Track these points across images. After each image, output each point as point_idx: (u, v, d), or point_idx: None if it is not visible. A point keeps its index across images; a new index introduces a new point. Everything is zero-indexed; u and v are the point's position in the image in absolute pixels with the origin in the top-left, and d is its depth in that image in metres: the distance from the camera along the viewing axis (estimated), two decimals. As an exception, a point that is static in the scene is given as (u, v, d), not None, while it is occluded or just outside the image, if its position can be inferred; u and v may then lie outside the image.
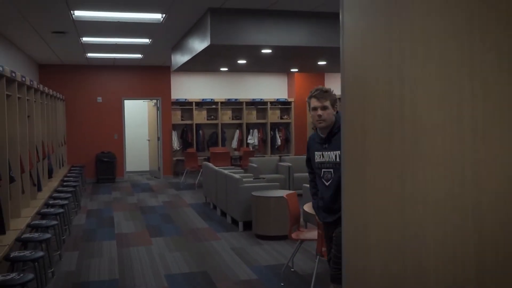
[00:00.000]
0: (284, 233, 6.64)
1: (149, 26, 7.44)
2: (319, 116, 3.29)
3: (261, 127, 15.34)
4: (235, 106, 15.06)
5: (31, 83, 6.81)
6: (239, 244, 6.61)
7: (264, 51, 7.01)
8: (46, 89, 8.58)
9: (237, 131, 15.17)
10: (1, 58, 8.40)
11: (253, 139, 15.27)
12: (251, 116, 15.24)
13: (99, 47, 9.65)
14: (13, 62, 9.45)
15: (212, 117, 14.89)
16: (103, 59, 11.65)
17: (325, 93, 3.31)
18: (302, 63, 9.22)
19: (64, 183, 8.89)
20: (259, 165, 10.21)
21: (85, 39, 8.68)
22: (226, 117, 15.01)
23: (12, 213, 5.66)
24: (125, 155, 13.42)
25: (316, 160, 3.43)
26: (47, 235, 4.97)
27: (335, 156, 3.31)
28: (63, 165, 11.46)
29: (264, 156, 14.51)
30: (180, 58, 9.14)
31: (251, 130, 15.31)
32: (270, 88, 15.66)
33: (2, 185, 4.99)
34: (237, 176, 7.35)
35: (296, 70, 10.47)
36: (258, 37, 6.42)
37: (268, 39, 6.46)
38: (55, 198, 7.34)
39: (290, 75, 15.52)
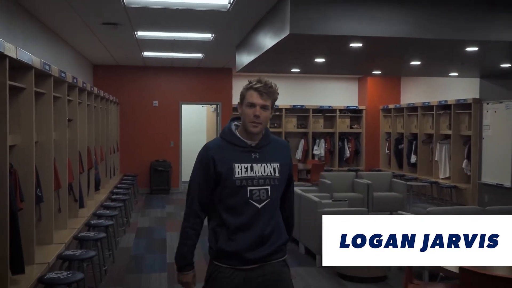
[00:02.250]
0: (378, 275, 5.27)
1: (213, 16, 6.25)
2: (257, 116, 2.40)
3: (328, 136, 13.97)
4: (300, 113, 13.79)
5: (74, 80, 5.77)
6: (317, 284, 5.29)
7: (353, 44, 5.64)
8: (95, 89, 7.58)
9: (302, 140, 13.86)
10: (55, 57, 7.51)
11: (319, 149, 13.92)
12: (318, 125, 13.91)
13: (156, 44, 8.60)
14: (67, 61, 8.59)
15: (275, 125, 13.66)
16: (160, 59, 10.65)
17: (270, 89, 2.42)
18: (390, 63, 7.73)
19: (113, 196, 7.86)
20: (332, 181, 8.80)
21: (140, 33, 7.63)
22: (290, 125, 13.74)
23: (42, 239, 4.58)
24: (181, 164, 12.35)
25: (236, 176, 2.42)
26: (79, 276, 3.81)
27: (274, 169, 2.47)
28: (114, 174, 10.52)
29: (332, 170, 13.10)
30: (245, 58, 7.94)
31: (317, 140, 13.97)
32: (339, 94, 14.28)
33: (24, 208, 3.89)
34: (314, 197, 6.01)
35: (379, 72, 9.01)
36: (347, 26, 5.09)
37: (359, 28, 5.11)
38: (99, 216, 6.27)
39: (361, 80, 14.08)
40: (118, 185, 9.15)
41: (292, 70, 8.72)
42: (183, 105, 12.29)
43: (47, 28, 7.22)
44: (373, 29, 5.16)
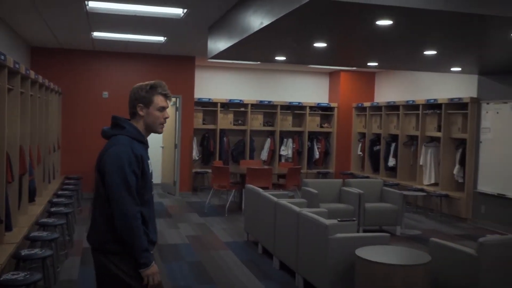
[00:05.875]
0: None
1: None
2: (166, 119, 2.73)
3: (296, 136, 12.74)
4: (267, 110, 12.50)
5: (1, 57, 4.17)
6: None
7: (380, 22, 4.32)
8: (31, 73, 5.93)
9: (268, 139, 12.59)
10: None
11: (286, 150, 12.67)
12: (286, 123, 12.66)
13: (110, 21, 7.00)
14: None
15: (239, 122, 12.31)
16: (112, 42, 9.01)
17: (169, 92, 2.76)
18: (399, 52, 6.41)
19: (53, 209, 6.26)
20: (317, 190, 7.49)
21: (92, 4, 6.04)
22: (256, 122, 12.41)
23: None
24: (134, 165, 10.71)
25: (150, 171, 2.69)
26: None
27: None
28: (54, 178, 8.82)
29: (300, 172, 11.86)
30: (223, 42, 6.50)
31: (285, 140, 12.71)
32: (309, 90, 13.12)
33: None
34: (323, 220, 4.66)
35: (375, 64, 7.74)
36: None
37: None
38: (33, 241, 4.72)
39: (333, 75, 12.95)
40: (59, 192, 7.51)
41: (277, 58, 7.32)
42: (137, 98, 10.65)
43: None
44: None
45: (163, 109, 2.66)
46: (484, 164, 8.59)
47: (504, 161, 8.13)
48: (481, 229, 8.24)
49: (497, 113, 8.30)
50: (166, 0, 5.72)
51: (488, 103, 8.50)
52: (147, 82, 2.66)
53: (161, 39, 8.39)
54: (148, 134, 2.71)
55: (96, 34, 8.15)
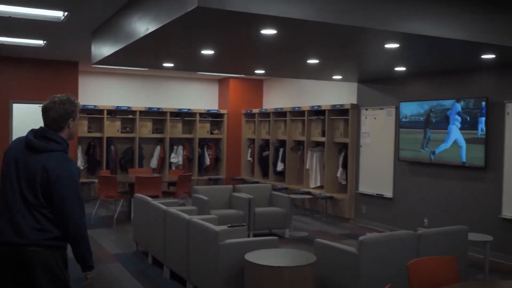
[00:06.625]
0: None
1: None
2: None
3: (187, 143, 12.68)
4: (156, 116, 12.32)
5: None
6: None
7: (264, 31, 4.44)
8: None
9: (158, 147, 12.41)
10: None
11: (177, 157, 12.58)
12: (176, 130, 12.56)
13: (-18, 22, 6.49)
14: None
15: (127, 129, 12.00)
16: (-15, 45, 8.35)
17: None
18: (284, 60, 6.62)
19: None
20: (207, 197, 7.52)
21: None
22: (145, 130, 12.18)
23: None
24: (12, 177, 9.98)
25: None
26: None
27: None
28: None
29: (191, 180, 11.83)
30: (107, 47, 6.30)
31: (175, 147, 12.61)
32: (199, 97, 13.14)
33: None
34: (213, 227, 4.67)
35: (262, 72, 7.95)
36: (262, 4, 3.87)
37: (276, 8, 3.90)
38: None
39: (222, 82, 13.08)
40: None
41: (165, 64, 7.22)
42: (14, 105, 9.95)
43: None
44: (293, 10, 4.01)
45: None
46: (364, 166, 9.15)
47: (381, 164, 8.72)
48: (362, 228, 8.76)
49: (375, 118, 8.90)
50: (45, 2, 5.41)
51: (366, 109, 9.09)
52: (64, 96, 2.83)
53: (40, 42, 7.92)
54: None
55: (-35, 35, 7.50)
